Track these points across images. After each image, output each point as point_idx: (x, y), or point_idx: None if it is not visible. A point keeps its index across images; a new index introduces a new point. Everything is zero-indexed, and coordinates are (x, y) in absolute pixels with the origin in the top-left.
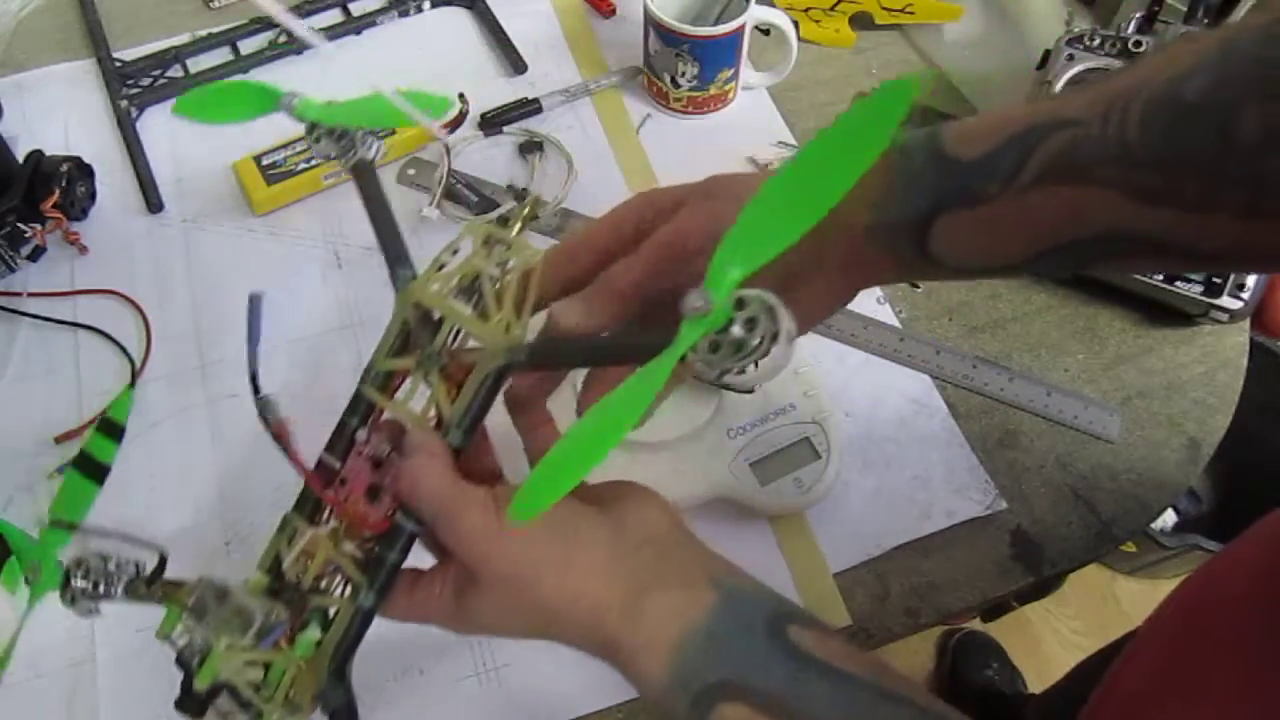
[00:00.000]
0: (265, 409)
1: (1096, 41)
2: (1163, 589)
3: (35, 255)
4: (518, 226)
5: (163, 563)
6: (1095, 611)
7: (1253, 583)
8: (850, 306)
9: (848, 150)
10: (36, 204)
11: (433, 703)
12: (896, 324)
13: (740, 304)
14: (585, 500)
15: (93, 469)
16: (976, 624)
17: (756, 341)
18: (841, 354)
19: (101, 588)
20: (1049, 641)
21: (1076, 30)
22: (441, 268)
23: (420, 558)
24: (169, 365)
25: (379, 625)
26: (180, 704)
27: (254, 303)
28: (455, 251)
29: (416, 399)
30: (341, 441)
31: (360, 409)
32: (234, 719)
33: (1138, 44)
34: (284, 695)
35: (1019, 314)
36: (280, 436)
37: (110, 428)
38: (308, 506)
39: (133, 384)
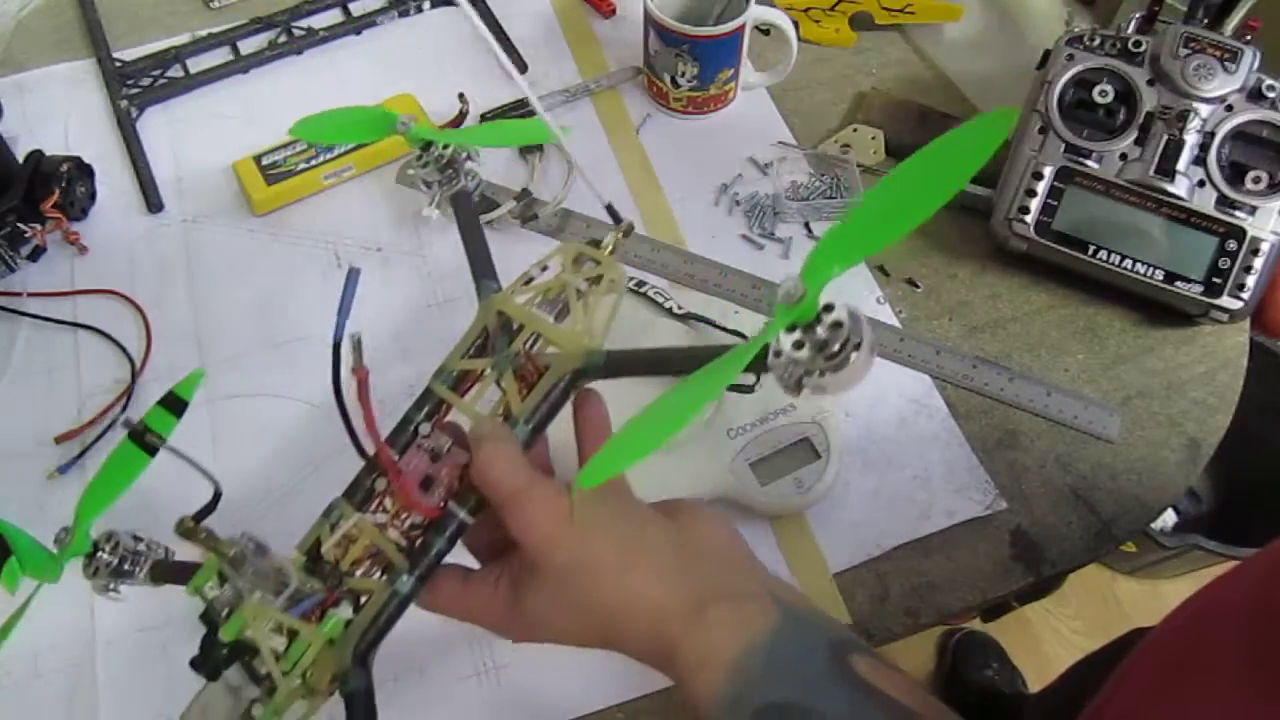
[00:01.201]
0: (355, 348)
1: (1096, 41)
2: (1163, 589)
3: (35, 255)
4: (611, 247)
5: (216, 498)
6: (1095, 611)
7: (1251, 592)
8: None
9: (945, 168)
10: (36, 204)
11: (433, 703)
12: (896, 324)
13: (828, 309)
14: (654, 507)
15: (148, 442)
16: (976, 624)
17: (838, 346)
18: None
19: (127, 565)
20: (1049, 641)
21: (1076, 30)
22: (529, 281)
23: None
24: (169, 365)
25: None
26: (196, 663)
27: (352, 275)
28: (544, 268)
29: (484, 404)
30: (404, 435)
31: (427, 405)
32: (242, 695)
33: (1138, 44)
34: (302, 673)
35: (1019, 314)
36: (361, 384)
37: (174, 403)
38: (358, 495)
39: (132, 384)
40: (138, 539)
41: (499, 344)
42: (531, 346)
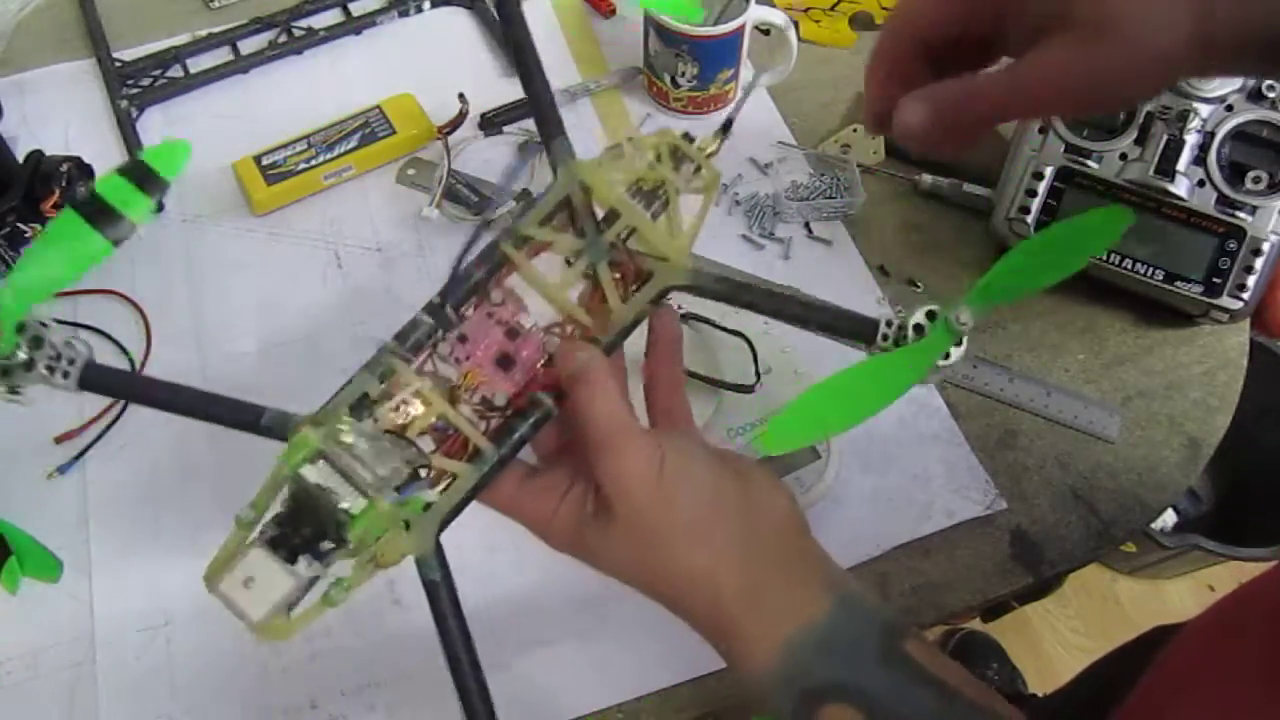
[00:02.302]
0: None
1: None
2: (1163, 589)
3: None
4: (714, 147)
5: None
6: (1095, 611)
7: (1274, 594)
8: (850, 306)
9: (1084, 243)
10: (36, 204)
11: (433, 703)
12: None
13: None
14: (727, 462)
15: (102, 216)
16: (976, 624)
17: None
18: (842, 354)
19: (59, 365)
20: (1049, 641)
21: None
22: (616, 155)
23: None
24: (169, 365)
25: (377, 622)
26: (276, 541)
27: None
28: (631, 139)
29: (562, 291)
30: (459, 290)
31: (491, 261)
32: (297, 572)
33: None
34: (371, 553)
35: (1019, 314)
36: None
37: (143, 175)
38: (410, 338)
39: None
40: (69, 341)
41: (588, 226)
42: (625, 239)
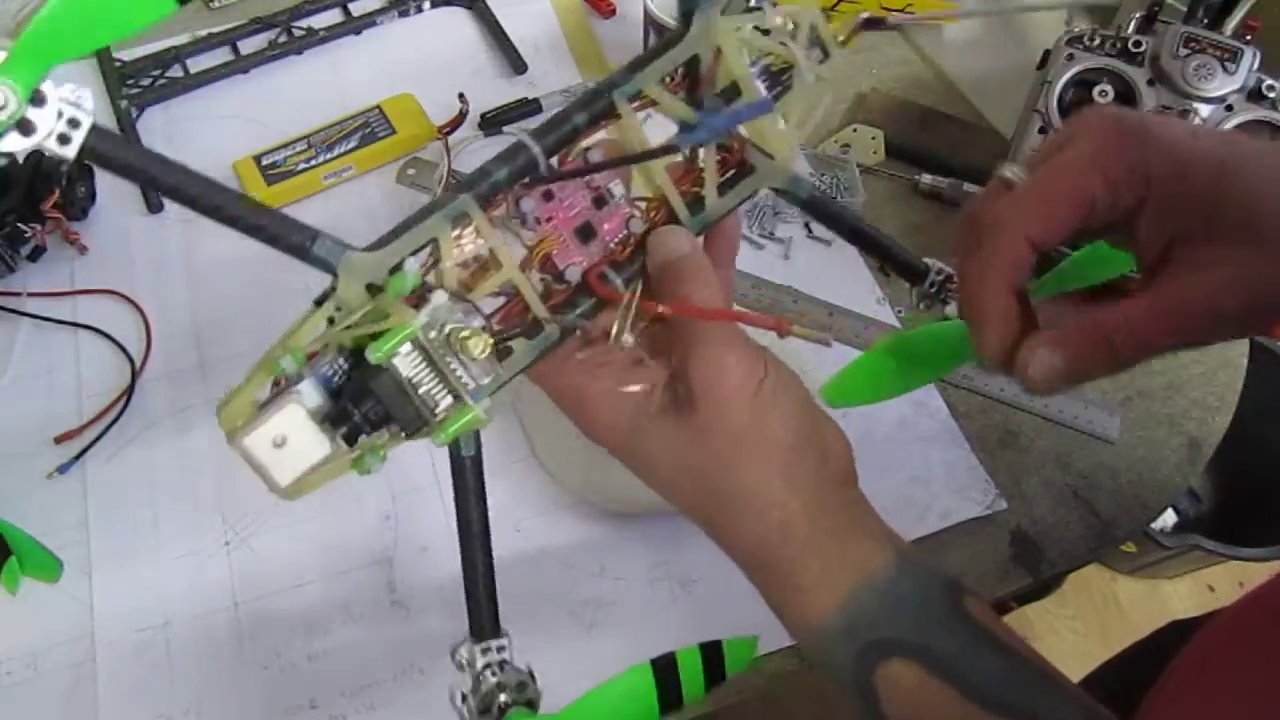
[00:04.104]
0: None
1: (1096, 41)
2: (1163, 589)
3: (35, 255)
4: (848, 37)
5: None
6: (1095, 611)
7: None
8: (850, 306)
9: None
10: (36, 204)
11: (433, 703)
12: (896, 324)
13: None
14: (805, 402)
15: None
16: None
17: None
18: (842, 354)
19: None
20: (1049, 641)
21: (1076, 30)
22: (758, 18)
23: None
24: (169, 365)
25: (377, 622)
26: (334, 417)
27: None
28: (774, 1)
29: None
30: (558, 131)
31: (594, 108)
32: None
33: (1138, 44)
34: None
35: None
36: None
37: None
38: (486, 182)
39: (133, 384)
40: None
41: (708, 99)
42: None
